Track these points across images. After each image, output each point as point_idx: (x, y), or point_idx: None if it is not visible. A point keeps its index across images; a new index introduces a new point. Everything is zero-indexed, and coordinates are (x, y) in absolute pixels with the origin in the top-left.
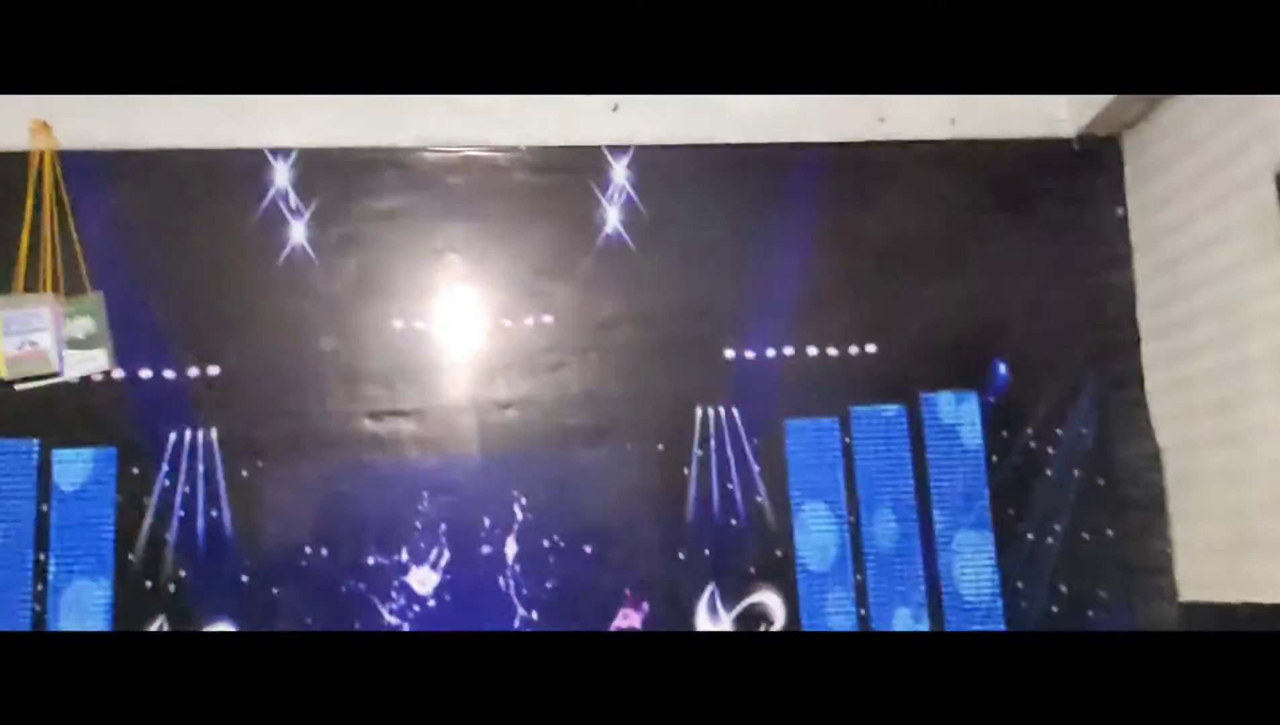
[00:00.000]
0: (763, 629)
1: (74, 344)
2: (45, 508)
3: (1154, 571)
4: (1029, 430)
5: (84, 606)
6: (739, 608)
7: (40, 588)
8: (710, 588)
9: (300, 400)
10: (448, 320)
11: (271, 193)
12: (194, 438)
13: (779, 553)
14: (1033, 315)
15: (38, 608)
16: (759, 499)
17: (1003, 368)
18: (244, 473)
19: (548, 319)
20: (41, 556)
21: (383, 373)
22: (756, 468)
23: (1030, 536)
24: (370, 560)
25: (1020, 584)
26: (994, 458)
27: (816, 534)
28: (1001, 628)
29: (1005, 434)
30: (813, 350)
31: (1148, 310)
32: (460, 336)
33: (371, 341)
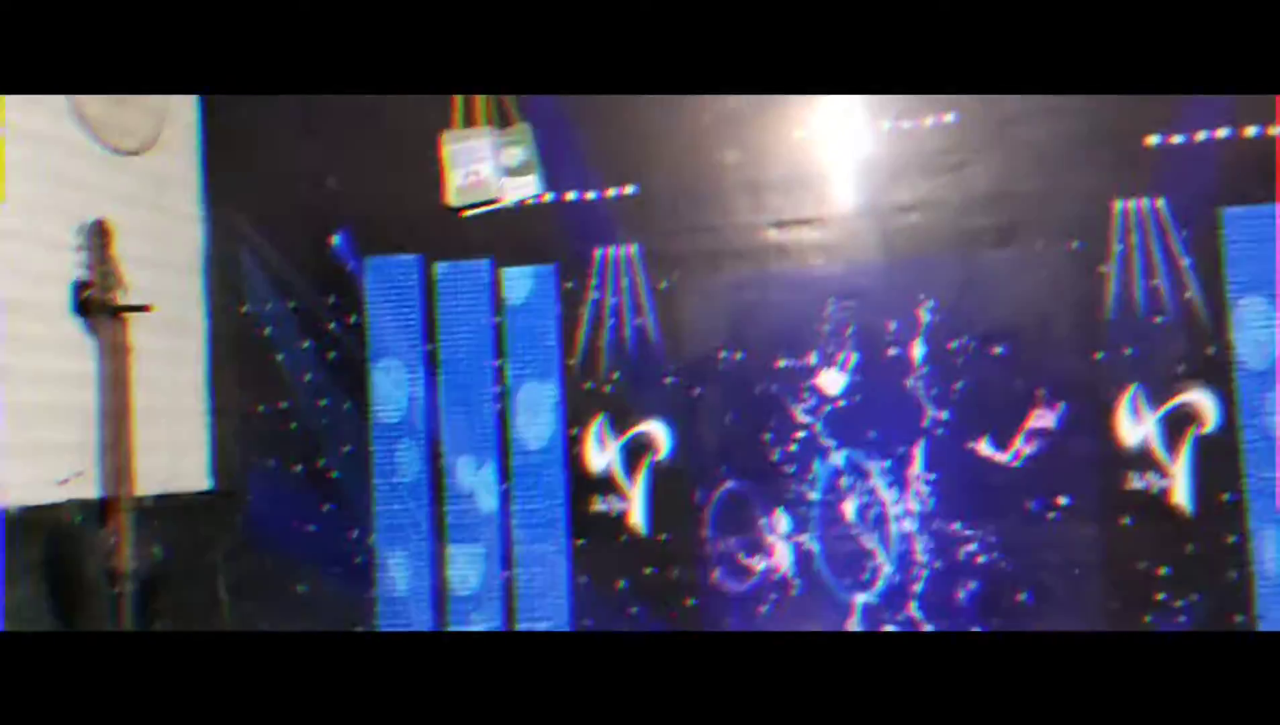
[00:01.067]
0: (1193, 431)
1: (510, 172)
2: (499, 320)
3: None
4: None
5: (536, 405)
6: (1166, 408)
7: (500, 389)
8: (1133, 388)
9: (709, 213)
10: (845, 126)
11: None
12: (618, 253)
13: (1212, 351)
14: None
15: (499, 406)
16: (1189, 294)
17: None
18: (663, 284)
19: (948, 118)
20: (499, 362)
21: (784, 182)
22: (1187, 261)
23: None
24: (781, 363)
25: None
26: None
27: (1257, 330)
28: None
29: None
30: (1253, 130)
31: None
32: (858, 141)
33: (772, 152)
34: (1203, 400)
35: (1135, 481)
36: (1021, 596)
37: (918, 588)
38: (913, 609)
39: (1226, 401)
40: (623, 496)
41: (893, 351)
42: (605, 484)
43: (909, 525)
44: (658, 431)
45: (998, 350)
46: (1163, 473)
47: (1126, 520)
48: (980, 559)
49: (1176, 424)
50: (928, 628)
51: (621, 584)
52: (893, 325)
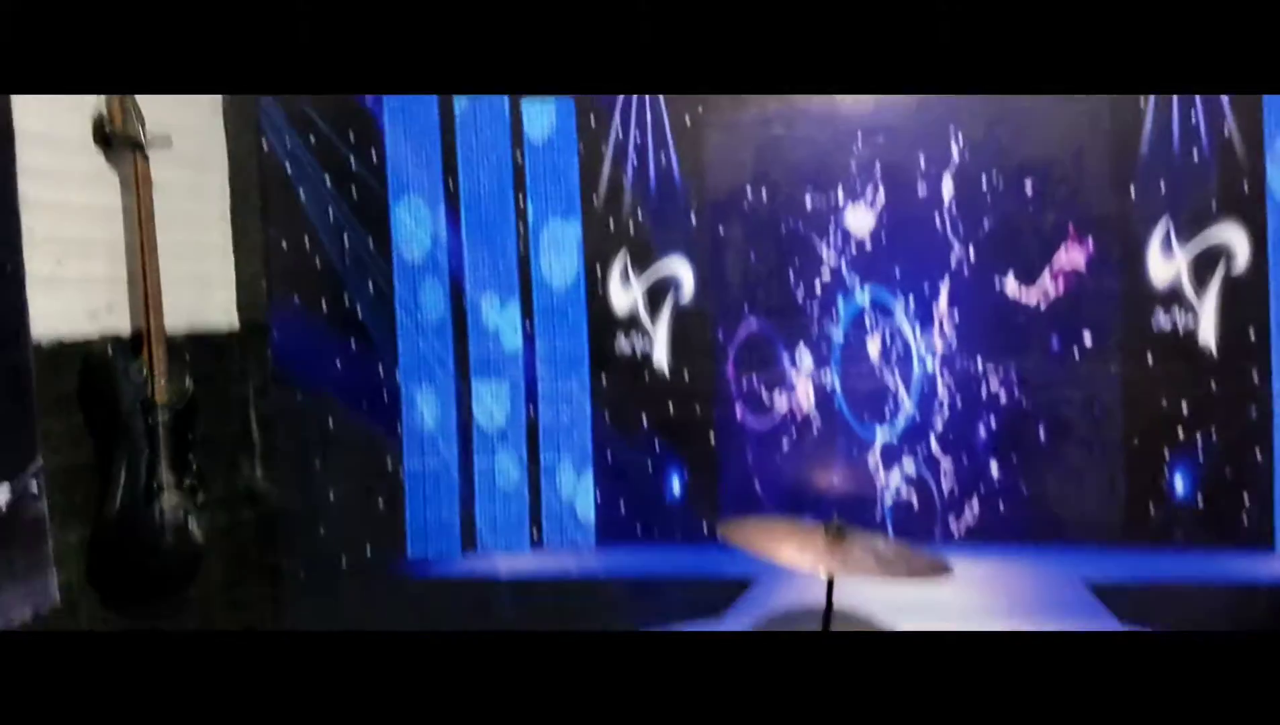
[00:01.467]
0: (1222, 267)
1: None
2: (520, 157)
3: None
4: None
5: (560, 243)
6: (1195, 244)
7: (523, 228)
8: (1164, 223)
9: None
10: None
11: None
12: None
13: (1247, 188)
14: None
15: (522, 247)
16: (1226, 130)
17: None
18: (687, 120)
19: None
20: (521, 200)
21: None
22: (1225, 96)
23: None
24: (808, 201)
25: None
26: None
27: None
28: None
29: None
30: None
31: None
32: None
33: None
34: (1234, 237)
35: (1161, 319)
36: (1040, 432)
37: (938, 424)
38: (932, 444)
39: (1257, 239)
40: (646, 334)
41: (921, 188)
42: (629, 322)
43: (931, 363)
44: (681, 270)
45: (1028, 187)
46: (1190, 311)
47: (1150, 358)
48: (1002, 396)
49: (1206, 262)
50: (945, 461)
51: (644, 420)
52: (922, 161)
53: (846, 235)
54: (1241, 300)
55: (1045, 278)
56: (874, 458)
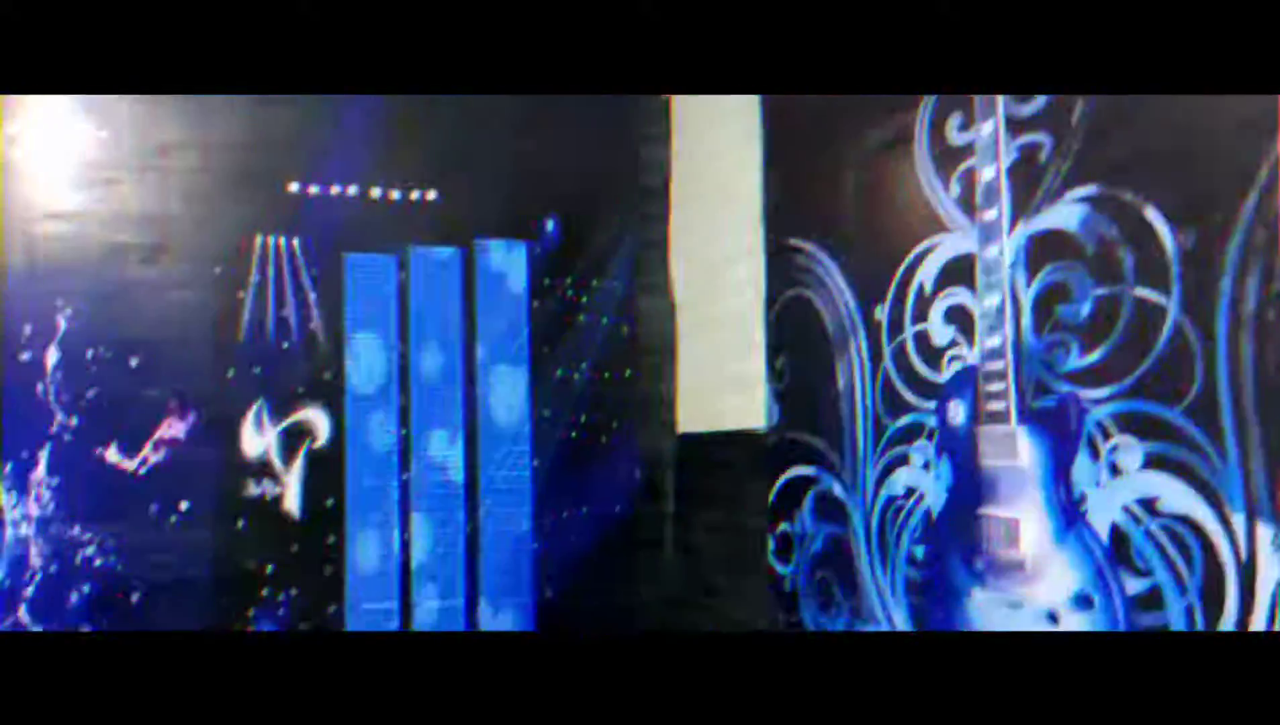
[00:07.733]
0: (307, 443)
1: None
2: None
3: (661, 407)
4: (568, 280)
5: None
6: (285, 423)
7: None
8: (258, 403)
9: None
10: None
11: None
12: None
13: (329, 376)
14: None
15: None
16: (313, 325)
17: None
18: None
19: (103, 134)
20: None
21: None
22: (314, 295)
23: (559, 373)
24: None
25: (546, 412)
26: (535, 303)
27: (366, 360)
28: (528, 449)
29: (547, 282)
30: (376, 191)
31: (677, 184)
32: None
33: None
34: (317, 417)
35: (252, 488)
36: (134, 596)
37: (29, 592)
38: (22, 613)
39: (337, 419)
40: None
41: (25, 356)
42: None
43: (26, 529)
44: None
45: (134, 361)
46: (278, 480)
47: (240, 523)
48: (98, 562)
49: (293, 437)
50: (36, 629)
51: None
52: (28, 330)
53: None
54: (322, 473)
55: (148, 447)
56: None
